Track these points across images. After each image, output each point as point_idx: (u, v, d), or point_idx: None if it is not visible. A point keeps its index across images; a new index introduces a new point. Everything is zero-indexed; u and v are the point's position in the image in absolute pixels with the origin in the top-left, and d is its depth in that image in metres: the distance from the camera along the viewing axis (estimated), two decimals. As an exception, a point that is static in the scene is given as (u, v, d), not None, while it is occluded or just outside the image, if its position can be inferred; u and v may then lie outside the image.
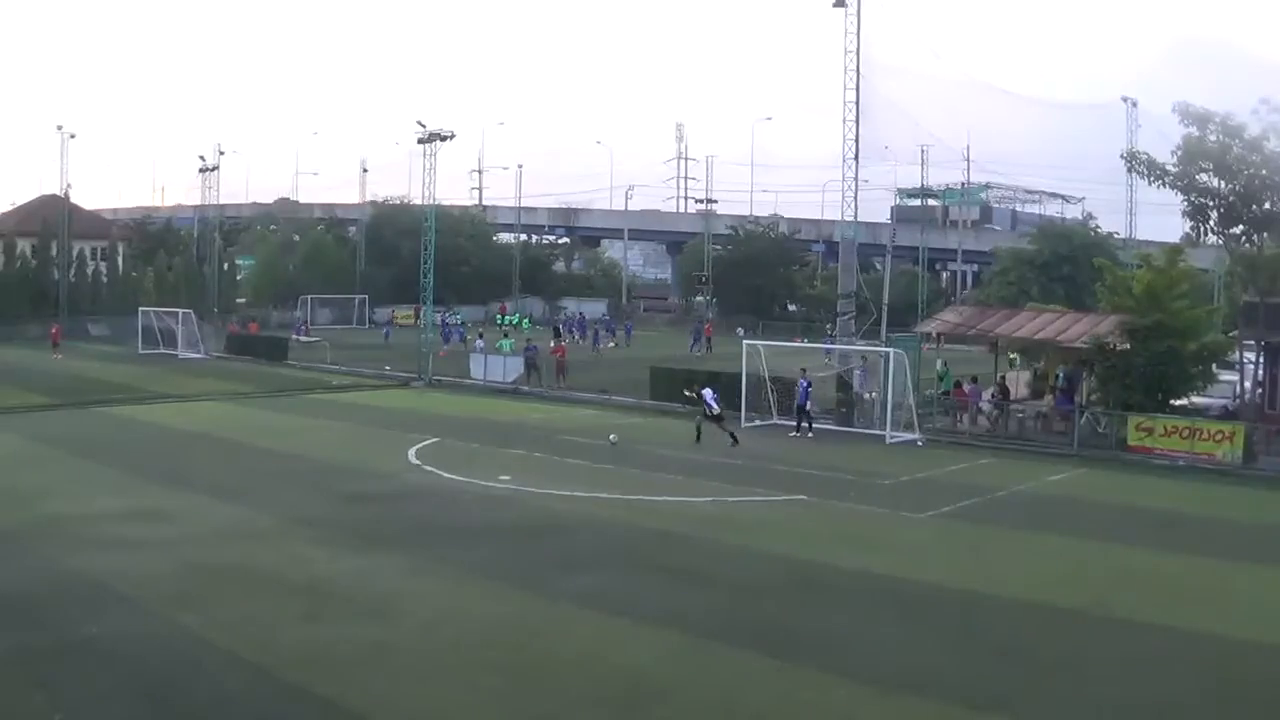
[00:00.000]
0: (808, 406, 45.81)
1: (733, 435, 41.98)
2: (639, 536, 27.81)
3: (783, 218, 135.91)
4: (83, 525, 27.71)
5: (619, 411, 52.04)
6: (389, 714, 16.38)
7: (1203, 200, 44.88)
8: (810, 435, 44.93)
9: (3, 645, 18.72)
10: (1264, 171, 43.21)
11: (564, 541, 27.08)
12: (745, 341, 51.33)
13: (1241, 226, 45.28)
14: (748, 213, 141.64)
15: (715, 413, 42.27)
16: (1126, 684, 17.84)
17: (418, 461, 38.01)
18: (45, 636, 19.18)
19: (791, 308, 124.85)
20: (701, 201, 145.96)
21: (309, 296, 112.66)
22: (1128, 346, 42.83)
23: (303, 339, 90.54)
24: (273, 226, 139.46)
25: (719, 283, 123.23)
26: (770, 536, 27.80)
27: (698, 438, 41.82)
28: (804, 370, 47.42)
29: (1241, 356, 44.79)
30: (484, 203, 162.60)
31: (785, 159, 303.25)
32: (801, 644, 19.48)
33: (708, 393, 42.81)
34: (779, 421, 47.09)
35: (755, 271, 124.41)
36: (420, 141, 68.24)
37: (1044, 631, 20.51)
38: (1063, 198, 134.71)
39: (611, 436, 41.71)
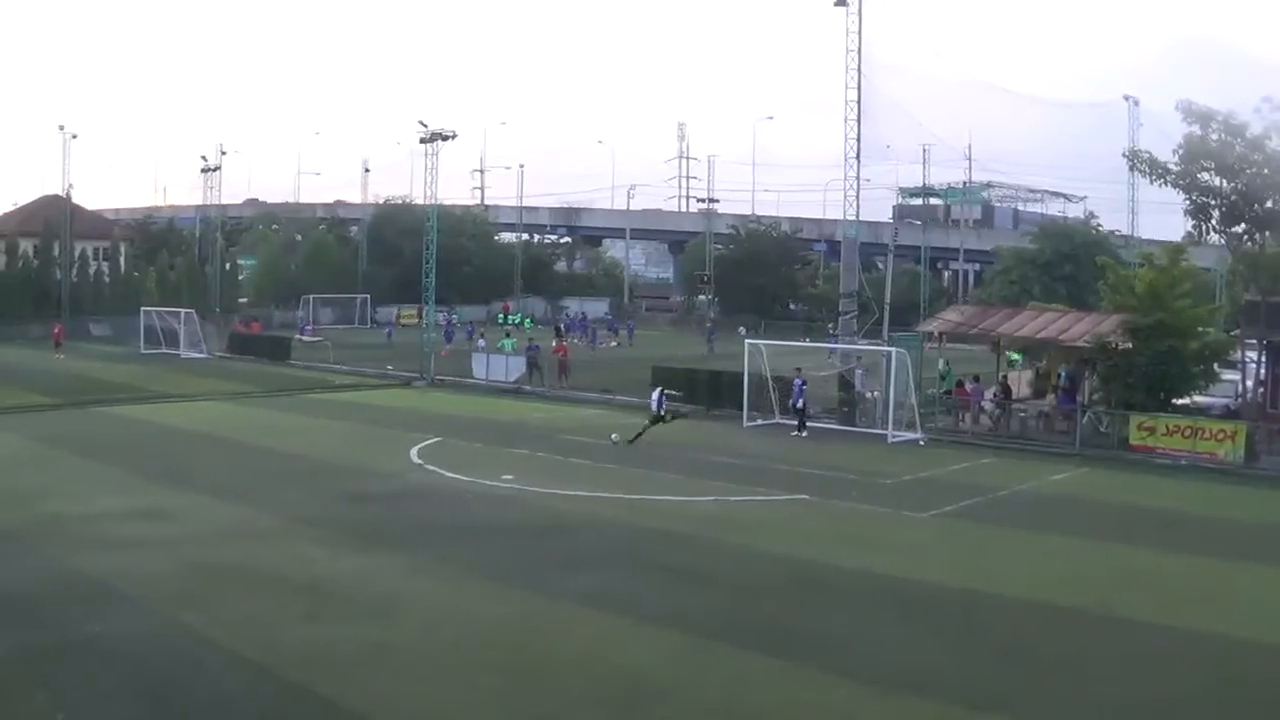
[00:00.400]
0: (800, 405, 45.86)
1: (636, 436, 41.79)
2: (641, 536, 27.82)
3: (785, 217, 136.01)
4: (85, 525, 27.75)
5: (622, 411, 51.98)
6: (390, 713, 16.41)
7: (1205, 199, 44.86)
8: (803, 435, 44.98)
9: (5, 644, 18.76)
10: (1266, 170, 43.20)
11: (566, 541, 27.09)
12: (747, 341, 51.29)
13: (1243, 225, 45.27)
14: (749, 212, 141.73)
15: (658, 413, 42.61)
16: (1128, 684, 17.85)
17: (420, 461, 38.02)
18: (47, 636, 19.22)
19: (793, 307, 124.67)
20: (703, 201, 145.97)
21: (311, 296, 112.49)
22: (1130, 346, 42.77)
23: (306, 339, 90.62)
24: (275, 226, 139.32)
25: (721, 282, 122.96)
26: (772, 536, 27.81)
27: (640, 435, 41.96)
28: (799, 370, 47.45)
29: (1243, 355, 44.74)
30: (486, 202, 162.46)
31: (787, 158, 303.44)
32: (803, 644, 19.50)
33: (656, 393, 43.34)
34: (781, 421, 47.10)
35: (757, 271, 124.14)
36: (422, 141, 68.36)
37: (1046, 631, 20.51)
38: (1065, 196, 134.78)
39: (614, 436, 41.71)
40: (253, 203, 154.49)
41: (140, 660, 18.20)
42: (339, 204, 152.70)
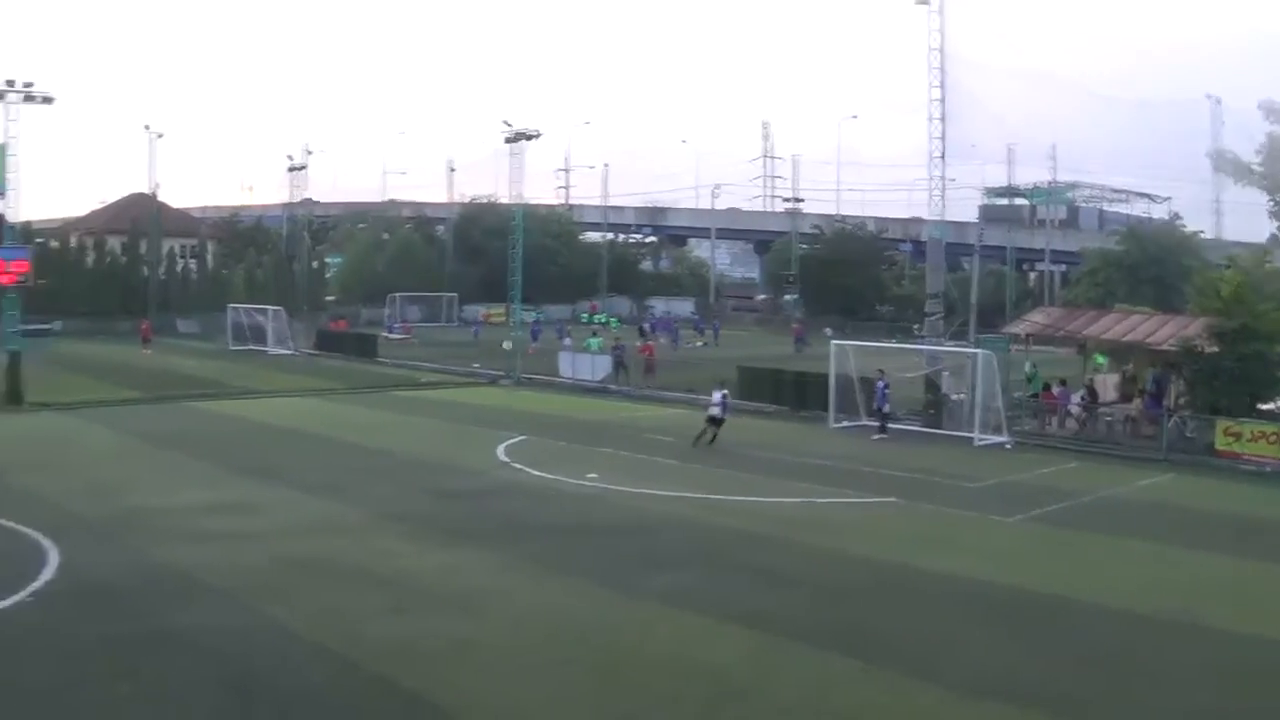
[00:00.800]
0: (885, 409, 45.69)
1: (701, 438, 41.40)
2: (725, 536, 27.80)
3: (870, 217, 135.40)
4: (172, 517, 28.18)
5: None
6: (474, 709, 16.53)
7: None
8: (878, 437, 44.80)
9: (90, 635, 19.07)
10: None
11: (650, 540, 27.15)
12: (833, 341, 51.08)
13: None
14: (834, 211, 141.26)
15: (715, 415, 41.76)
16: (1209, 692, 17.65)
17: (506, 459, 38.23)
18: (132, 627, 19.52)
19: (880, 308, 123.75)
20: (788, 200, 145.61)
21: (398, 294, 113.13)
22: (1216, 349, 42.21)
23: (393, 336, 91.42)
24: (361, 225, 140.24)
25: (806, 282, 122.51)
26: (857, 538, 27.72)
27: (707, 439, 41.52)
28: (881, 372, 47.21)
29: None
30: (571, 202, 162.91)
31: (871, 157, 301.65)
32: (885, 646, 19.41)
33: (718, 395, 42.41)
34: (867, 423, 46.87)
35: (843, 271, 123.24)
36: (507, 141, 68.57)
37: (1128, 638, 20.31)
38: (1149, 197, 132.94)
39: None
40: (308, 203, 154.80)
41: (225, 652, 18.40)
42: (390, 203, 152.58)
